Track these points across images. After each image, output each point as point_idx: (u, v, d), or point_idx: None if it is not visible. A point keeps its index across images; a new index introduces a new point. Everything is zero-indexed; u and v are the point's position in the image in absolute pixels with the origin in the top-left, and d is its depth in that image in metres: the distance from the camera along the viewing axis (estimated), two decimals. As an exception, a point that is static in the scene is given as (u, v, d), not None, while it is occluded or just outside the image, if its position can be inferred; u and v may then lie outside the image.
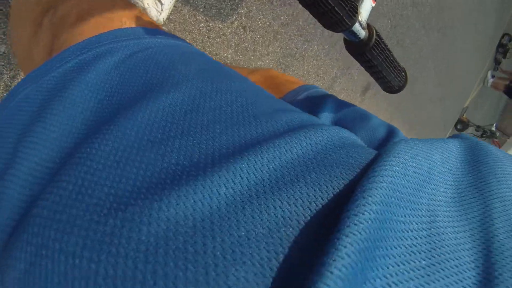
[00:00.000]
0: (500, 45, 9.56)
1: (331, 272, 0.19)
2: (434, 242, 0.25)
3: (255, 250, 0.23)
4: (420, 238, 0.25)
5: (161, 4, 1.20)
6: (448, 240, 0.26)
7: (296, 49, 2.08)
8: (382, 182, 0.25)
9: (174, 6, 1.37)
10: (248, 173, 0.27)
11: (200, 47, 1.53)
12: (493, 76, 8.78)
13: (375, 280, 0.21)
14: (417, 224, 0.26)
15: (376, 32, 0.48)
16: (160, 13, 1.24)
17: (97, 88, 0.34)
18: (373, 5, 0.47)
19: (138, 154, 0.28)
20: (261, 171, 0.27)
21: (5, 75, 1.01)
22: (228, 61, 1.70)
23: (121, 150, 0.28)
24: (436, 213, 0.27)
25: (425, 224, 0.26)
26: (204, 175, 0.26)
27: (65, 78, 0.35)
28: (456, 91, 7.12)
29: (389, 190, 0.25)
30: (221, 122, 0.32)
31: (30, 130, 0.31)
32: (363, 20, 0.45)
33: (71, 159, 0.29)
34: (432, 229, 0.26)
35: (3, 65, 1.00)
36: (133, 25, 0.45)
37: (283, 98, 0.70)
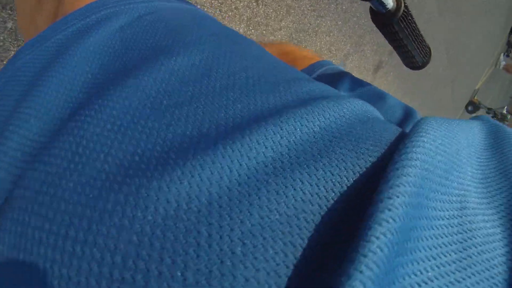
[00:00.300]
0: (514, 26, 9.38)
1: (361, 272, 0.16)
2: (466, 232, 0.22)
3: (270, 242, 0.19)
4: (452, 227, 0.22)
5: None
6: (479, 230, 0.23)
7: (309, 24, 2.04)
8: (416, 160, 0.22)
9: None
10: (265, 147, 0.23)
11: (212, 20, 1.52)
12: (506, 58, 8.65)
13: (404, 279, 0.18)
14: (448, 211, 0.23)
15: (405, 3, 0.45)
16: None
17: (99, 51, 0.32)
18: None
19: (139, 123, 0.25)
20: (280, 144, 0.24)
21: (12, 52, 1.00)
22: (240, 36, 1.68)
23: (120, 119, 0.25)
24: (467, 199, 0.25)
25: (457, 211, 0.23)
26: (214, 148, 0.23)
27: (67, 42, 0.33)
28: (467, 73, 7.04)
29: (423, 170, 0.22)
30: (235, 89, 0.29)
31: (27, 95, 0.29)
32: None
33: (64, 128, 0.26)
34: (464, 216, 0.23)
35: (10, 42, 0.99)
36: None
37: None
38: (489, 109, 8.96)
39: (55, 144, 0.25)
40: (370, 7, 0.46)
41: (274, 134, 0.24)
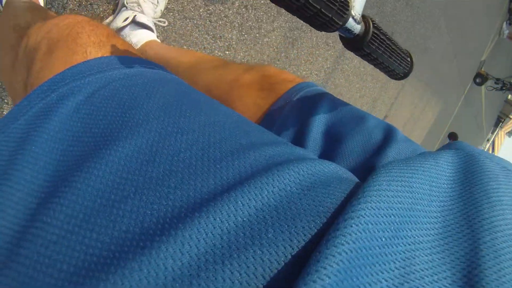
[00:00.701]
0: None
1: None
2: None
3: None
4: None
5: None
6: None
7: (302, 22, 2.03)
8: (343, 244, 0.22)
9: (172, -7, 1.34)
10: (198, 240, 0.24)
11: (203, 32, 1.51)
12: (509, 26, 8.51)
13: None
14: (386, 281, 0.23)
15: (373, 23, 0.44)
16: (157, 5, 1.22)
17: (59, 138, 0.33)
18: None
19: (90, 221, 0.27)
20: (213, 235, 0.25)
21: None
22: (234, 43, 1.67)
23: (74, 218, 0.27)
24: (414, 261, 0.25)
25: (398, 278, 0.23)
26: (151, 247, 0.24)
27: (29, 127, 0.34)
28: (471, 46, 6.93)
29: (352, 252, 0.22)
30: (177, 174, 0.29)
31: None
32: (356, 14, 0.41)
33: (30, 228, 0.27)
34: (406, 283, 0.23)
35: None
36: (99, 54, 0.43)
37: (278, 100, 0.66)
38: (497, 79, 8.85)
39: (23, 244, 0.27)
40: (339, 34, 0.44)
41: (207, 225, 0.25)
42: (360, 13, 0.42)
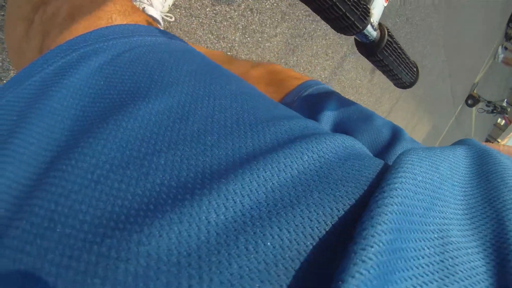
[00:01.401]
0: (511, 20, 9.35)
1: None
2: (448, 268, 0.23)
3: None
4: (433, 264, 0.22)
5: (167, -10, 1.19)
6: (461, 264, 0.23)
7: (304, 29, 2.05)
8: (392, 205, 0.22)
9: (181, -10, 1.36)
10: (243, 196, 0.24)
11: (207, 31, 1.53)
12: (504, 51, 8.63)
13: None
14: (429, 248, 0.23)
15: (388, 31, 0.46)
16: (165, 0, 1.24)
17: (80, 94, 0.31)
18: (386, 4, 0.45)
19: (118, 172, 0.25)
20: (257, 192, 0.24)
21: (12, 72, 1.01)
22: (236, 44, 1.69)
23: (99, 168, 0.25)
24: (449, 233, 0.25)
25: (438, 247, 0.24)
26: (191, 200, 0.23)
27: (46, 83, 0.32)
28: (466, 67, 7.02)
29: (400, 214, 0.23)
30: (213, 133, 0.29)
31: (7, 142, 0.28)
32: (374, 21, 0.43)
33: (45, 178, 0.26)
34: (446, 252, 0.23)
35: (9, 62, 1.00)
36: (124, 22, 0.42)
37: (287, 96, 0.68)
38: (489, 102, 8.94)
39: (38, 194, 0.25)
40: (355, 38, 0.47)
41: (251, 182, 0.24)
42: (378, 21, 0.44)
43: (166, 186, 0.24)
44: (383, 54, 0.47)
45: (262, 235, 0.22)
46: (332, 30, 2.23)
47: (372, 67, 3.02)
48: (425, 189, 0.26)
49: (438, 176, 0.29)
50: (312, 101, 0.65)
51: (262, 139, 0.29)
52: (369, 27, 0.43)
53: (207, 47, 1.57)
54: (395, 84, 0.56)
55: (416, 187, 0.26)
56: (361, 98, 3.16)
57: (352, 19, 0.39)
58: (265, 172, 0.25)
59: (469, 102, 8.33)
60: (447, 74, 5.66)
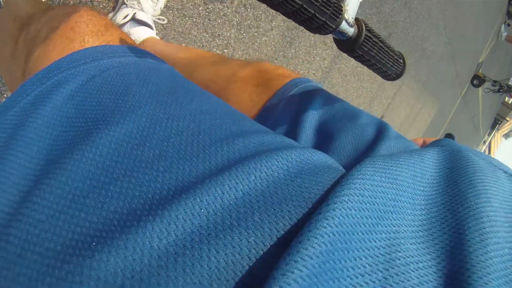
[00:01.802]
0: (513, -4, 9.23)
1: None
2: (391, 286, 0.23)
3: None
4: (374, 282, 0.23)
5: (157, -7, 1.19)
6: (408, 280, 0.24)
7: (299, 22, 2.04)
8: (324, 227, 0.23)
9: (172, -9, 1.36)
10: (184, 220, 0.25)
11: (201, 30, 1.52)
12: (507, 28, 8.53)
13: None
14: (371, 266, 0.24)
15: (366, 26, 0.45)
16: (156, 3, 1.23)
17: (53, 123, 0.33)
18: None
19: (79, 201, 0.27)
20: (199, 216, 0.25)
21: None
22: (232, 41, 1.68)
23: (63, 198, 0.27)
24: (399, 248, 0.25)
25: (382, 264, 0.24)
26: (137, 226, 0.25)
27: (25, 113, 0.34)
28: (469, 48, 6.95)
29: (335, 235, 0.23)
30: (167, 158, 0.30)
31: None
32: (349, 17, 0.43)
33: (20, 208, 0.28)
34: (391, 268, 0.24)
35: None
36: (96, 43, 0.43)
37: (274, 96, 0.67)
38: (494, 81, 8.86)
39: (13, 224, 0.27)
40: (333, 36, 0.46)
41: (193, 206, 0.26)
42: (353, 17, 0.44)
43: (118, 213, 0.26)
44: (362, 49, 0.46)
45: (199, 258, 0.23)
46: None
47: (372, 54, 2.99)
48: (374, 204, 0.27)
49: (394, 187, 0.29)
50: (297, 101, 0.64)
51: (213, 161, 0.30)
52: (343, 25, 0.42)
53: (202, 45, 1.56)
54: (382, 77, 0.55)
55: (361, 203, 0.26)
56: (363, 85, 3.14)
57: (323, 19, 0.38)
58: (208, 195, 0.26)
59: (475, 82, 8.26)
60: (450, 56, 5.61)
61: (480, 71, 8.33)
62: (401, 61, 0.53)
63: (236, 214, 0.26)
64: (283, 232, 0.25)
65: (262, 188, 0.28)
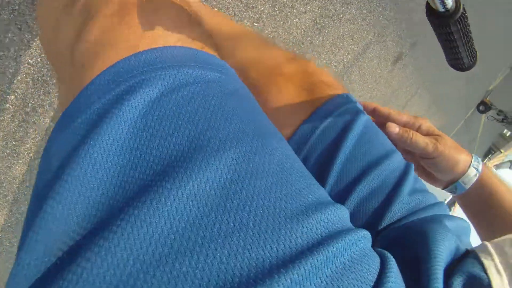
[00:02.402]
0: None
1: None
2: None
3: None
4: None
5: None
6: None
7: (334, 11, 2.00)
8: None
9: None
10: None
11: (238, -2, 1.48)
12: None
13: None
14: None
15: (463, 5, 0.44)
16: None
17: (120, 148, 0.29)
18: None
19: (132, 276, 0.24)
20: None
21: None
22: (264, 16, 1.64)
23: (120, 268, 0.24)
24: None
25: None
26: None
27: (89, 129, 0.29)
28: (483, 73, 6.96)
29: None
30: (248, 229, 0.27)
31: (39, 210, 0.27)
32: None
33: (70, 266, 0.24)
34: None
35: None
36: (174, 40, 0.38)
37: (320, 109, 0.63)
38: (500, 111, 8.90)
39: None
40: (427, 4, 0.44)
41: None
42: None
43: None
44: (455, 26, 0.45)
45: None
46: (361, 15, 2.19)
47: (395, 58, 2.97)
48: None
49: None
50: (337, 130, 0.61)
51: (293, 240, 0.28)
52: None
53: (234, 14, 1.52)
54: (452, 64, 0.55)
55: None
56: (379, 88, 3.12)
57: None
58: (291, 283, 0.25)
59: (481, 108, 8.30)
60: (464, 77, 5.62)
61: (488, 98, 8.37)
62: (476, 54, 0.53)
63: None
64: None
65: (337, 276, 0.28)
